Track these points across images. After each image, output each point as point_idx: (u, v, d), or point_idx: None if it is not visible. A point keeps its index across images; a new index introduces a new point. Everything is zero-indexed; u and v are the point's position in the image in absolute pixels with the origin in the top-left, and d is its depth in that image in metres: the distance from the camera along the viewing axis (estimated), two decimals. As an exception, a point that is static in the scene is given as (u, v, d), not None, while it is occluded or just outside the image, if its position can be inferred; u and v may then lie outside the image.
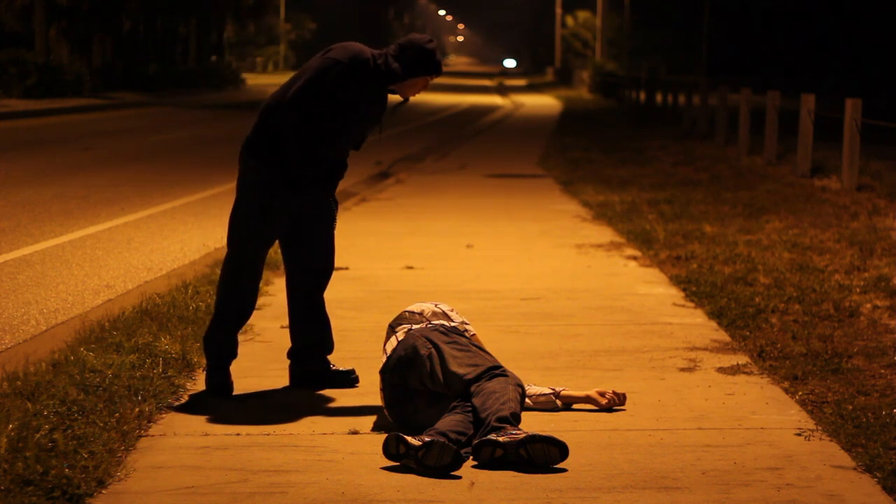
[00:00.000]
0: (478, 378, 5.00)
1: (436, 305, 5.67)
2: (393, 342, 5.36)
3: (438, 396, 5.09)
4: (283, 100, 5.57)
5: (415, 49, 5.60)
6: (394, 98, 5.81)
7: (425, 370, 5.11)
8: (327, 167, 5.72)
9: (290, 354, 5.96)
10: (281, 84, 5.78)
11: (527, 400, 5.30)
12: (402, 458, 4.63)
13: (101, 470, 4.48)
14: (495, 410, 4.80)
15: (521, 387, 5.04)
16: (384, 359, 5.32)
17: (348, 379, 5.89)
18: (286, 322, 6.08)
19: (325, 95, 5.52)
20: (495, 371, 5.04)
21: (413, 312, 5.62)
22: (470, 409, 4.92)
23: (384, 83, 5.61)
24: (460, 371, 5.04)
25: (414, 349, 5.18)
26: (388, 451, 4.67)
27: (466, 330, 5.58)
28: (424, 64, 5.61)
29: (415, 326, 5.45)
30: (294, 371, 5.94)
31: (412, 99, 5.85)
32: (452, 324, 5.53)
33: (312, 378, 5.89)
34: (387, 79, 5.59)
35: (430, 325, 5.42)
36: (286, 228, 5.79)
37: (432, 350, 5.15)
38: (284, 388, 5.86)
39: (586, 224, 12.01)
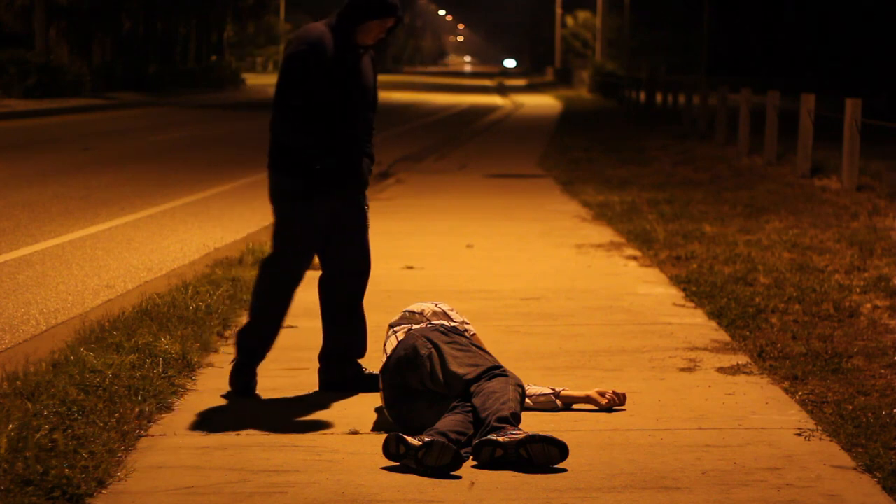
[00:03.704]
0: (478, 378, 5.00)
1: (436, 305, 5.67)
2: (393, 342, 5.36)
3: (438, 396, 5.09)
4: (275, 108, 5.62)
5: None
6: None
7: (425, 370, 5.11)
8: (343, 156, 5.62)
9: (322, 357, 5.87)
10: None
11: (527, 400, 5.30)
12: (402, 458, 4.63)
13: (101, 470, 4.48)
14: (495, 410, 4.80)
15: (521, 387, 5.04)
16: (384, 359, 5.32)
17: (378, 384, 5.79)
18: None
19: (302, 87, 5.53)
20: (495, 371, 5.04)
21: (413, 312, 5.62)
22: (470, 409, 4.92)
23: (345, 43, 5.59)
24: (460, 371, 5.04)
25: (414, 349, 5.18)
26: (388, 451, 4.67)
27: (466, 330, 5.58)
28: (366, 8, 5.55)
29: (415, 326, 5.45)
30: (325, 374, 5.84)
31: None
32: (452, 324, 5.53)
33: (344, 382, 5.79)
34: (343, 38, 5.57)
35: (430, 325, 5.42)
36: (322, 234, 5.76)
37: (432, 350, 5.15)
38: (285, 388, 5.85)
39: (586, 224, 12.00)
